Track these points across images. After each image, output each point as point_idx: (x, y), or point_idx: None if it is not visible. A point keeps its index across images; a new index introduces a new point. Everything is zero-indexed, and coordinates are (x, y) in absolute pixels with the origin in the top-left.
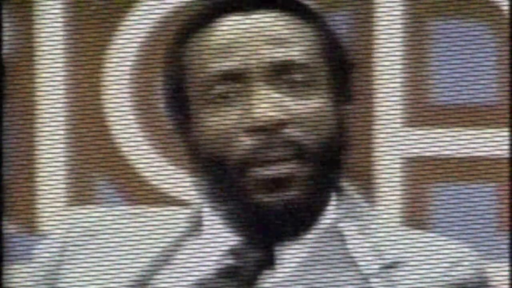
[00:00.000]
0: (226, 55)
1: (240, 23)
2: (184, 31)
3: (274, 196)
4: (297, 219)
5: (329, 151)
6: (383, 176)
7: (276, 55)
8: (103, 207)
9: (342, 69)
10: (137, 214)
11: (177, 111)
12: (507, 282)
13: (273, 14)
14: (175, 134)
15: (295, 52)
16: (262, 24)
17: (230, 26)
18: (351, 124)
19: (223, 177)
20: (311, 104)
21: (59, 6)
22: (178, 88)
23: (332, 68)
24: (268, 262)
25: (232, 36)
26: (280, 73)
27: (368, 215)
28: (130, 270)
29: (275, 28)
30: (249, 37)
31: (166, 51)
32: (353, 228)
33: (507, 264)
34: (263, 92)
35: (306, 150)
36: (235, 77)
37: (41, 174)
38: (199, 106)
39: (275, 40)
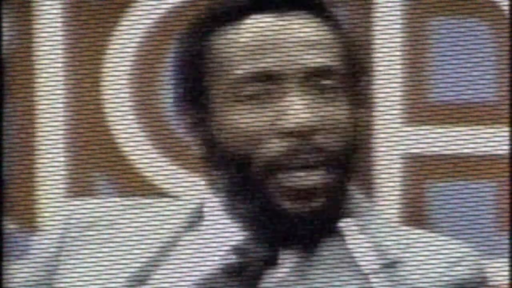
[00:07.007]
0: (261, 55)
1: (273, 23)
2: (209, 24)
3: (300, 205)
4: (319, 227)
5: (350, 158)
6: (383, 174)
7: (311, 59)
8: (104, 199)
9: (359, 73)
10: (136, 206)
11: (193, 105)
12: (507, 281)
13: (304, 16)
14: (187, 128)
15: (327, 57)
16: (295, 26)
17: (263, 26)
18: (366, 129)
19: (246, 177)
20: (337, 111)
21: (59, 5)
22: (197, 83)
23: (352, 72)
24: (272, 260)
25: (266, 36)
26: (313, 78)
27: (369, 214)
28: (130, 263)
29: (308, 31)
30: (283, 38)
31: (181, 42)
32: (353, 227)
33: (507, 263)
34: (297, 95)
35: (333, 157)
36: (269, 78)
37: (41, 172)
38: (224, 104)
39: (309, 43)
